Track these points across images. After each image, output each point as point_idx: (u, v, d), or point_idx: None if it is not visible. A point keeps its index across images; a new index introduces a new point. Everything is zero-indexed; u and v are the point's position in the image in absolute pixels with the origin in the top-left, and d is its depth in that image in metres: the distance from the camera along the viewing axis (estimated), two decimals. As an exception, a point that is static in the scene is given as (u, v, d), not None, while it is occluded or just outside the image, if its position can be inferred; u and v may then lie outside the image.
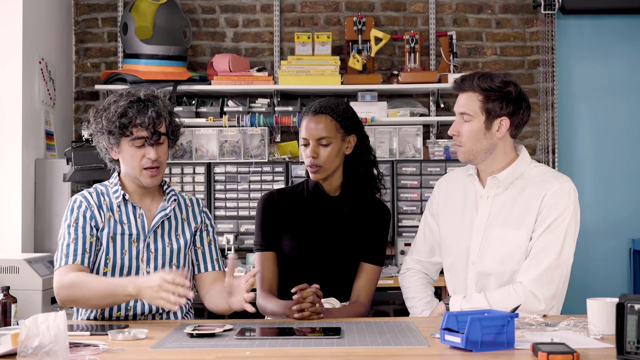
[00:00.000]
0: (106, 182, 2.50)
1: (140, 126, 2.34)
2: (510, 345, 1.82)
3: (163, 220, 2.45)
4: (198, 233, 2.51)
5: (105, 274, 2.37)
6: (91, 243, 2.37)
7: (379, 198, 2.68)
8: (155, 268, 2.40)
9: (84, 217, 2.39)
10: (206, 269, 2.50)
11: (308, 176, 2.65)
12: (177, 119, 2.47)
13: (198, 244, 2.51)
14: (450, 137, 2.81)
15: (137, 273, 2.38)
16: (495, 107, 2.41)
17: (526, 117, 2.47)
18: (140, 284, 2.18)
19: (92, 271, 2.37)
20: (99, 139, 2.42)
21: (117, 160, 2.45)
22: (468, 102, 2.43)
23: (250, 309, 2.18)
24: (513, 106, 2.42)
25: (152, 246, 2.42)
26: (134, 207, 2.43)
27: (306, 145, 2.56)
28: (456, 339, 1.81)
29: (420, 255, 2.68)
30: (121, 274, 2.38)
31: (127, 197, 2.43)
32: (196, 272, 2.51)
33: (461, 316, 1.86)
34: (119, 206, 2.43)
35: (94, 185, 2.49)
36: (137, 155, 2.37)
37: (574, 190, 2.42)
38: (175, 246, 2.44)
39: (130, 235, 2.41)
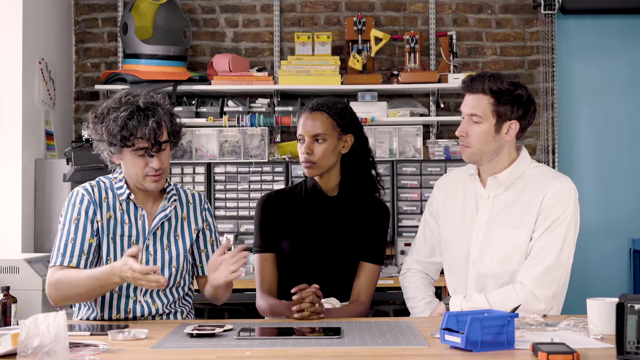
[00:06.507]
0: (110, 176, 2.47)
1: (142, 138, 2.31)
2: (510, 345, 1.83)
3: (163, 222, 2.44)
4: (200, 234, 2.51)
5: None
6: (90, 244, 2.35)
7: (378, 197, 2.68)
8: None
9: (86, 213, 2.37)
10: None
11: (306, 176, 2.65)
12: (177, 121, 2.45)
13: (201, 246, 2.51)
14: (451, 137, 2.81)
15: None
16: (507, 111, 2.40)
17: (532, 120, 2.47)
18: (122, 276, 2.15)
19: None
20: (99, 146, 2.40)
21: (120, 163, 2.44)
22: (478, 104, 2.41)
23: (234, 276, 2.19)
24: (523, 110, 2.42)
25: (150, 248, 2.41)
26: (136, 208, 2.42)
27: (302, 141, 2.57)
28: (456, 339, 1.81)
29: (420, 256, 2.68)
30: None
31: (132, 196, 2.41)
32: (200, 273, 2.51)
33: (461, 316, 1.85)
34: (121, 204, 2.42)
35: (97, 179, 2.46)
36: (140, 164, 2.35)
37: (574, 190, 2.42)
38: (174, 249, 2.44)
39: (130, 236, 2.40)
